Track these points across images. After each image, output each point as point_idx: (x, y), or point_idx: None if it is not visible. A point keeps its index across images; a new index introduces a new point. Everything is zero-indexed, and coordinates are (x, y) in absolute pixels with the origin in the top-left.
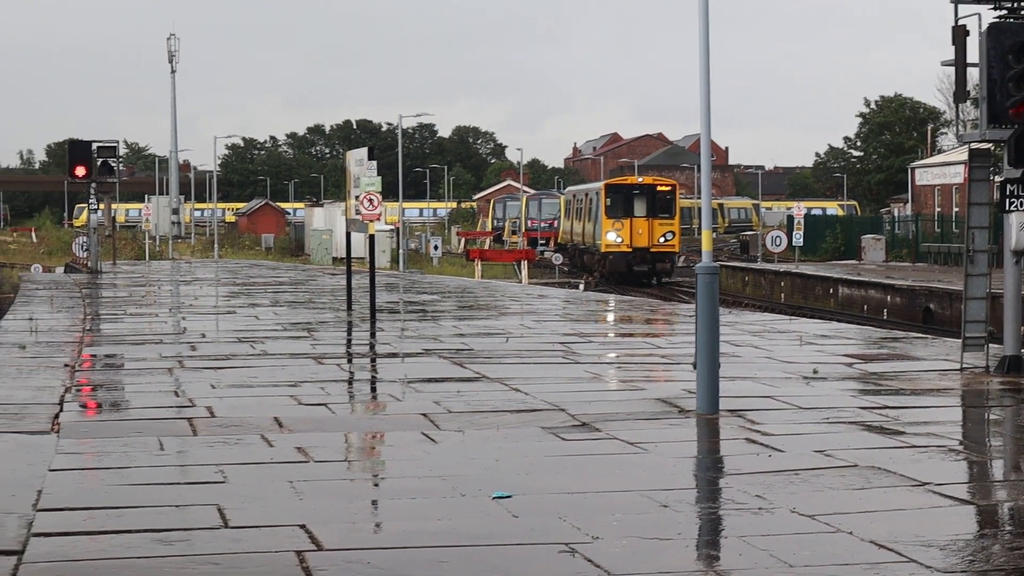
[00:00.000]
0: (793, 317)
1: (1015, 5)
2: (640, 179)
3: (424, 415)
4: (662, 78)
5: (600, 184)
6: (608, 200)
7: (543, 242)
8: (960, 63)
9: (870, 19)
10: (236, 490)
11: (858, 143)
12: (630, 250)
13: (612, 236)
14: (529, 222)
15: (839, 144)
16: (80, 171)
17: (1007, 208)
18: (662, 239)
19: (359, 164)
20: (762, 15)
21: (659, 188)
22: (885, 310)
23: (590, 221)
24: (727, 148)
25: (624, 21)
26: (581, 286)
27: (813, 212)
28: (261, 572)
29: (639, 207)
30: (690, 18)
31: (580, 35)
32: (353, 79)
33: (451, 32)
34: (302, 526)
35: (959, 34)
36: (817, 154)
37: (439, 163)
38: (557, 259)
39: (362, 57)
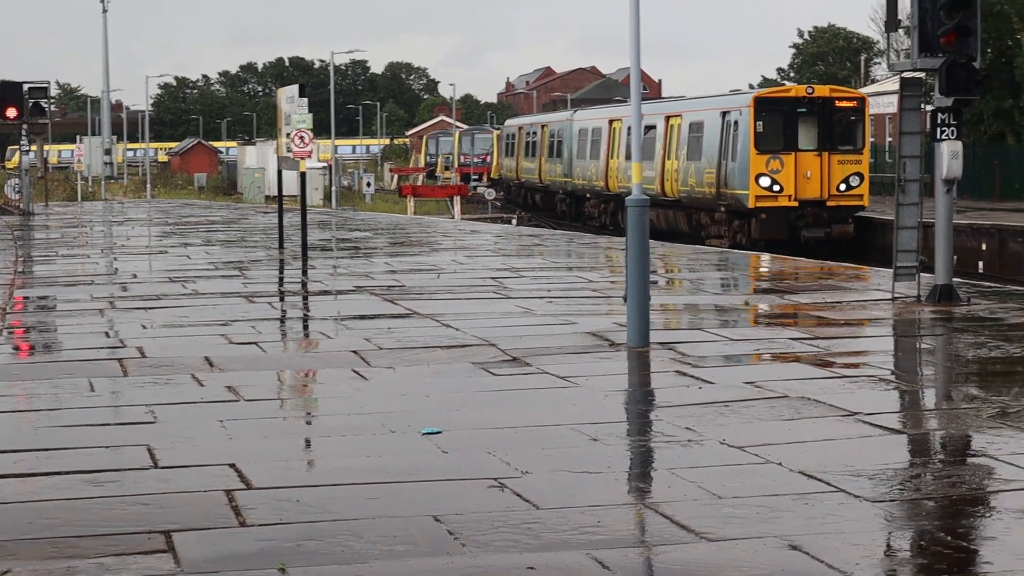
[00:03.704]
0: (721, 249)
1: None
2: (810, 89)
3: (355, 352)
4: (600, 9)
5: (594, 114)
6: (758, 123)
7: (476, 177)
8: None
9: None
10: (166, 430)
11: (791, 74)
12: (795, 204)
13: (765, 182)
14: (462, 158)
15: (772, 76)
16: (11, 113)
17: (938, 137)
18: (843, 186)
19: (290, 102)
20: None
21: (839, 103)
22: None
23: (555, 158)
24: (660, 81)
25: None
26: (514, 221)
27: None
28: (190, 511)
29: (807, 134)
30: None
31: None
32: (292, 17)
33: None
34: (232, 465)
35: None
36: (751, 85)
37: (372, 100)
38: (490, 194)
39: None
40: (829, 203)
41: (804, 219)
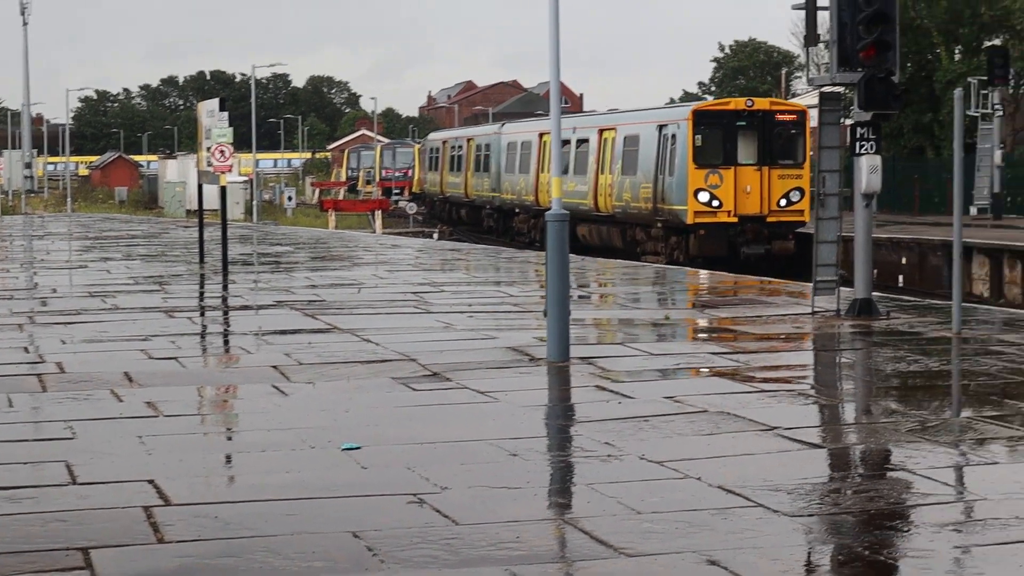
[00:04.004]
0: (643, 263)
1: None
2: (749, 102)
3: (275, 367)
4: (523, 24)
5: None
6: (697, 137)
7: (397, 192)
8: (810, 6)
9: None
10: (85, 446)
11: (712, 88)
12: (735, 220)
13: (704, 197)
14: (384, 171)
15: (693, 89)
16: None
17: (857, 151)
18: (784, 201)
19: (210, 116)
20: None
21: (779, 116)
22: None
23: (483, 172)
24: (581, 95)
25: None
26: (435, 235)
27: None
28: (109, 528)
29: (747, 148)
30: None
31: None
32: (213, 30)
33: None
34: (150, 481)
35: None
36: (672, 99)
37: (293, 114)
38: (411, 208)
39: (223, 8)
40: (769, 219)
41: (744, 235)
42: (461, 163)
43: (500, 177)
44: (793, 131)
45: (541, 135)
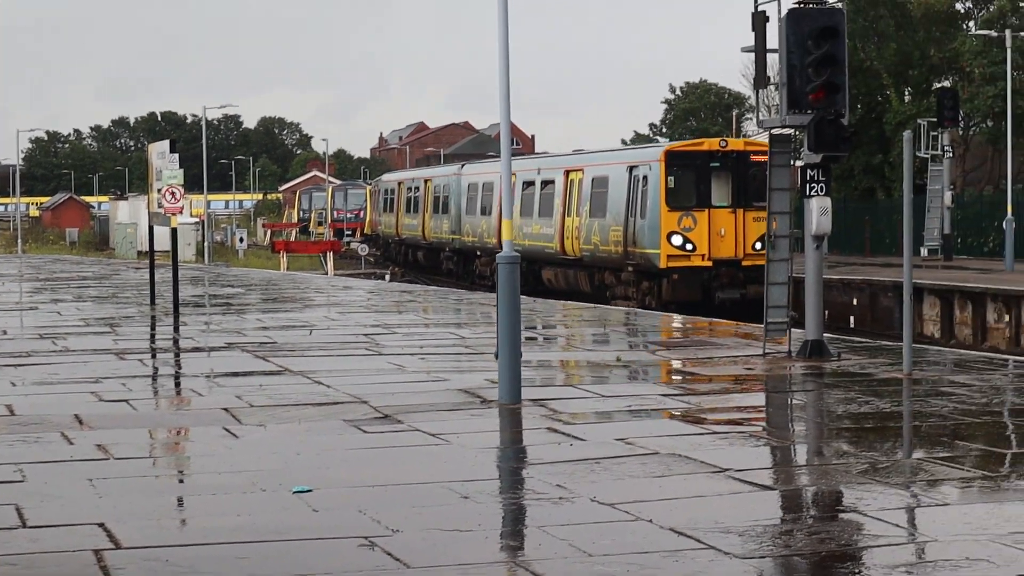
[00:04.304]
0: (597, 304)
1: None
2: (723, 143)
3: (226, 410)
4: (474, 66)
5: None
6: (670, 178)
7: (349, 233)
8: (760, 49)
9: (679, 5)
10: (35, 489)
11: (664, 129)
12: (709, 264)
13: (677, 240)
14: (335, 213)
15: (645, 131)
16: None
17: (807, 193)
18: (759, 244)
19: (161, 157)
20: (571, 2)
21: (753, 157)
22: None
23: (442, 213)
24: (533, 136)
25: (447, 8)
26: (387, 277)
27: None
28: (59, 572)
29: (720, 190)
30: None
31: (403, 24)
32: (164, 72)
33: (273, 23)
34: (101, 524)
35: (759, 20)
36: (624, 141)
37: (245, 155)
38: (363, 250)
39: (174, 49)
40: (745, 263)
41: (719, 280)
42: (418, 204)
43: (461, 219)
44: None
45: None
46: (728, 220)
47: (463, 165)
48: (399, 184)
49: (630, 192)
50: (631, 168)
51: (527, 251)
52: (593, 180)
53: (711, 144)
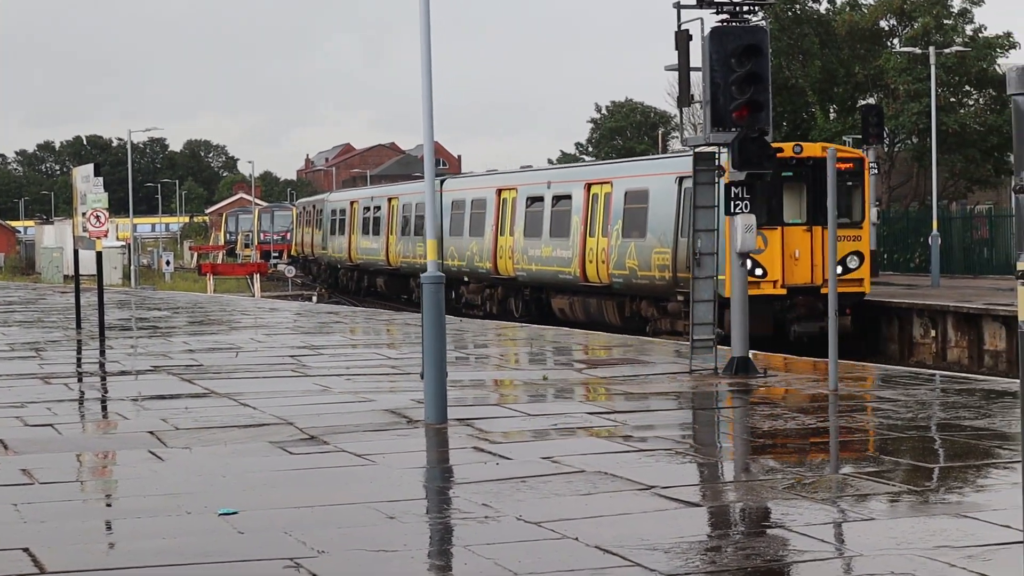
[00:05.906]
0: (523, 324)
1: (736, 9)
2: (797, 148)
3: (151, 433)
4: (400, 87)
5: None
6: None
7: (276, 255)
8: (684, 67)
9: (605, 25)
10: None
11: (590, 148)
12: (783, 292)
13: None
14: (262, 235)
15: (571, 151)
16: None
17: (732, 211)
18: (840, 268)
19: (85, 181)
20: (496, 23)
21: (836, 165)
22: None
23: (414, 235)
24: (459, 156)
25: (372, 31)
26: (314, 298)
27: None
28: None
29: (794, 205)
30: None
31: (330, 47)
32: (89, 96)
33: (200, 48)
34: (25, 549)
35: (682, 39)
36: (550, 160)
37: (171, 178)
38: (290, 271)
39: (99, 74)
40: (824, 290)
41: (794, 310)
42: (379, 225)
43: (443, 240)
44: (849, 183)
45: (499, 191)
46: (803, 240)
47: (444, 180)
48: (351, 204)
49: (679, 208)
50: (680, 179)
51: (533, 276)
52: (627, 194)
53: (784, 150)
